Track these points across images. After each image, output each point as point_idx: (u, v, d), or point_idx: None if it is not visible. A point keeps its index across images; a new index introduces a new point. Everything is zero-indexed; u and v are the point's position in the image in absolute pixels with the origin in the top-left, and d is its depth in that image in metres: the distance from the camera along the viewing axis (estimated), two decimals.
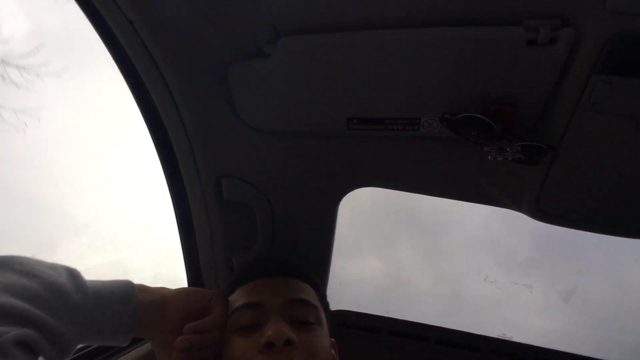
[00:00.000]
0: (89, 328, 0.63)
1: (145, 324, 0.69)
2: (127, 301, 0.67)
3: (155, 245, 1.68)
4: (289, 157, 0.96)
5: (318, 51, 0.75)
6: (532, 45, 0.65)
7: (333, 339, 0.81)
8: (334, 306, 0.90)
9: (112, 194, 1.58)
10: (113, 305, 0.66)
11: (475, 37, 0.67)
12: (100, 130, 1.51)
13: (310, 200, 1.02)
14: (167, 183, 1.01)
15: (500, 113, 0.72)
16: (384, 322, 1.22)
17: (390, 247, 1.85)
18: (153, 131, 0.94)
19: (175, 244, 1.11)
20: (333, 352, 0.80)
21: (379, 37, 0.71)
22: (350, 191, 1.03)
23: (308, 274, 0.85)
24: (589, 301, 1.59)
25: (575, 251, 1.53)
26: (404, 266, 1.86)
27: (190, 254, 1.10)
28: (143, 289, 0.71)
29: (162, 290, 0.74)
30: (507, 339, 1.20)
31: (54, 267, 0.63)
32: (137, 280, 0.72)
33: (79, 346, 0.91)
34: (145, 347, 1.01)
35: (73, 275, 0.64)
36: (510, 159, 0.75)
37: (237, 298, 0.78)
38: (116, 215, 1.64)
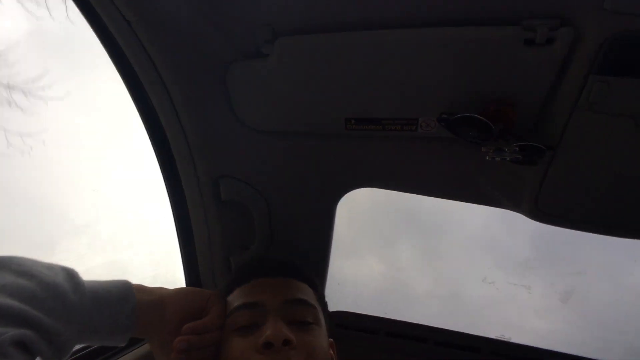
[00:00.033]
0: (87, 328, 0.63)
1: (143, 324, 0.69)
2: (124, 301, 0.67)
3: (155, 245, 1.68)
4: (287, 157, 0.96)
5: (316, 51, 0.75)
6: (530, 45, 0.65)
7: (331, 339, 0.81)
8: (332, 307, 0.89)
9: (112, 194, 1.59)
10: (110, 305, 0.65)
11: (472, 37, 0.67)
12: (100, 131, 1.51)
13: (308, 200, 1.02)
14: (165, 183, 1.01)
15: (500, 113, 0.72)
16: (382, 323, 1.21)
17: (388, 247, 1.85)
18: (151, 132, 0.94)
19: (175, 244, 1.11)
20: (331, 352, 0.80)
21: (377, 37, 0.71)
22: (348, 192, 1.03)
23: (306, 273, 0.85)
24: (588, 302, 1.59)
25: (573, 252, 1.53)
26: (403, 267, 1.86)
27: (189, 254, 1.10)
28: (141, 289, 0.71)
29: (160, 291, 0.74)
30: (505, 340, 1.20)
31: (51, 267, 0.63)
32: (136, 280, 0.72)
33: (78, 347, 0.92)
34: (143, 349, 1.00)
35: (70, 275, 0.64)
36: (508, 159, 0.75)
37: (236, 298, 0.78)
38: (116, 216, 1.64)
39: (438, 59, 0.71)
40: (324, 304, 0.85)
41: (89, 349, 0.93)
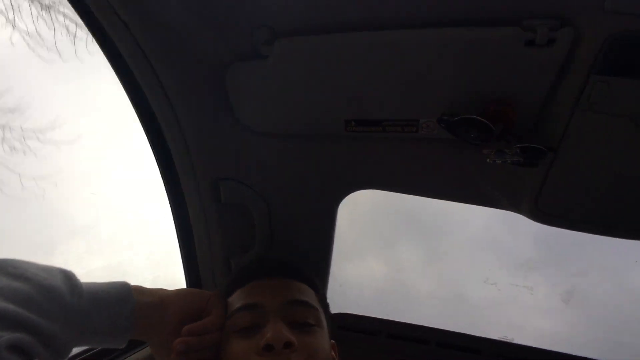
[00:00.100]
0: (85, 330, 0.62)
1: (142, 326, 0.69)
2: (123, 302, 0.67)
3: (154, 245, 1.68)
4: (287, 159, 0.95)
5: (315, 52, 0.75)
6: (530, 46, 0.65)
7: (333, 341, 0.81)
8: (334, 309, 0.89)
9: (111, 195, 1.59)
10: (109, 306, 0.65)
11: (472, 38, 0.67)
12: (99, 131, 1.51)
13: (309, 203, 1.02)
14: (165, 186, 1.01)
15: (500, 113, 0.72)
16: (384, 325, 1.21)
17: (390, 249, 1.85)
18: (150, 134, 0.94)
19: (175, 244, 1.11)
20: (333, 354, 0.80)
21: (377, 38, 0.71)
22: (349, 194, 1.03)
23: (308, 274, 0.85)
24: (590, 303, 1.58)
25: (575, 253, 1.52)
26: (404, 268, 1.86)
27: (189, 256, 1.10)
28: (140, 290, 0.71)
29: (159, 292, 0.73)
30: (508, 341, 1.19)
31: (47, 269, 0.63)
32: (136, 282, 0.72)
33: (78, 350, 0.92)
34: (144, 352, 1.00)
35: (68, 277, 0.63)
36: (509, 161, 0.75)
37: (236, 299, 0.77)
38: (115, 217, 1.64)
39: (438, 59, 0.71)
40: (325, 306, 0.85)
41: (89, 352, 0.93)
